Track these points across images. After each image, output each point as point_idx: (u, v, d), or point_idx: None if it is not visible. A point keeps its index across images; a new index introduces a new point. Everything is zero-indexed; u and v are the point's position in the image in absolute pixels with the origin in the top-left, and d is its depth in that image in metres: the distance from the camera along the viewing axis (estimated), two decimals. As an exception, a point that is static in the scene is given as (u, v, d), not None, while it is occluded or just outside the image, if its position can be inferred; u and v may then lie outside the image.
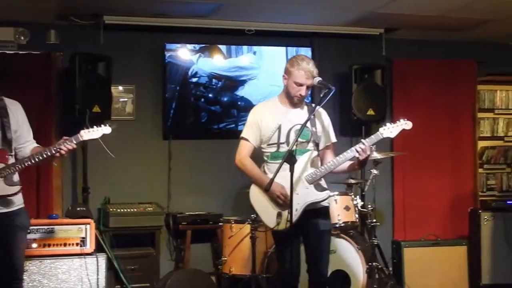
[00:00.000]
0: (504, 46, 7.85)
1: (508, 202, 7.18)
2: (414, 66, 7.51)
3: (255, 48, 6.89)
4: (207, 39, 6.78)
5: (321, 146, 4.48)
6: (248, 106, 6.56)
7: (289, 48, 6.93)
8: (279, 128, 4.38)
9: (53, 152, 4.25)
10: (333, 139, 4.56)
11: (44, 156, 4.26)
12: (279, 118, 4.40)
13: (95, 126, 4.40)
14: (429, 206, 7.42)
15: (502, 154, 7.78)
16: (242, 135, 4.51)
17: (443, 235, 7.17)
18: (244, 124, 4.55)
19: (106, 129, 4.43)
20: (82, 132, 4.35)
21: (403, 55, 7.51)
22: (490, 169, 7.83)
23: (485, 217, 6.85)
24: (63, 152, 4.27)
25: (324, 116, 4.54)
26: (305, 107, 4.47)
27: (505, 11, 6.31)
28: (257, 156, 4.53)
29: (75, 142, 4.30)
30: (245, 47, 6.87)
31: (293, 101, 4.40)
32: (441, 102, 7.55)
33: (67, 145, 4.27)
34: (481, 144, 7.80)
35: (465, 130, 7.67)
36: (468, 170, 7.66)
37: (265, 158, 4.48)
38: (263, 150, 4.48)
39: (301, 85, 4.31)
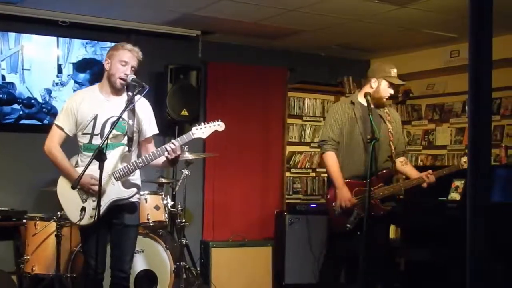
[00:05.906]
0: (314, 56, 8.23)
1: (311, 205, 7.51)
2: (229, 70, 7.64)
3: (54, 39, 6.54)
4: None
5: (141, 138, 4.40)
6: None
7: (101, 42, 6.74)
8: (95, 118, 4.23)
9: None
10: (154, 131, 4.49)
11: None
12: (96, 108, 4.25)
13: None
14: (238, 207, 7.58)
15: (308, 159, 8.14)
16: (56, 122, 4.32)
17: (250, 236, 7.36)
18: (49, 120, 4.35)
19: None
20: None
21: (220, 58, 7.62)
22: (296, 173, 8.15)
23: (290, 219, 7.11)
24: None
25: (145, 108, 4.43)
26: (126, 98, 4.32)
27: (315, 23, 6.62)
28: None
29: None
30: (29, 36, 6.42)
31: (116, 86, 4.25)
32: (254, 107, 7.75)
33: None
34: (289, 149, 8.10)
35: (275, 134, 7.93)
36: (277, 173, 7.92)
37: (79, 148, 4.32)
38: (78, 139, 4.32)
39: (126, 63, 4.21)
